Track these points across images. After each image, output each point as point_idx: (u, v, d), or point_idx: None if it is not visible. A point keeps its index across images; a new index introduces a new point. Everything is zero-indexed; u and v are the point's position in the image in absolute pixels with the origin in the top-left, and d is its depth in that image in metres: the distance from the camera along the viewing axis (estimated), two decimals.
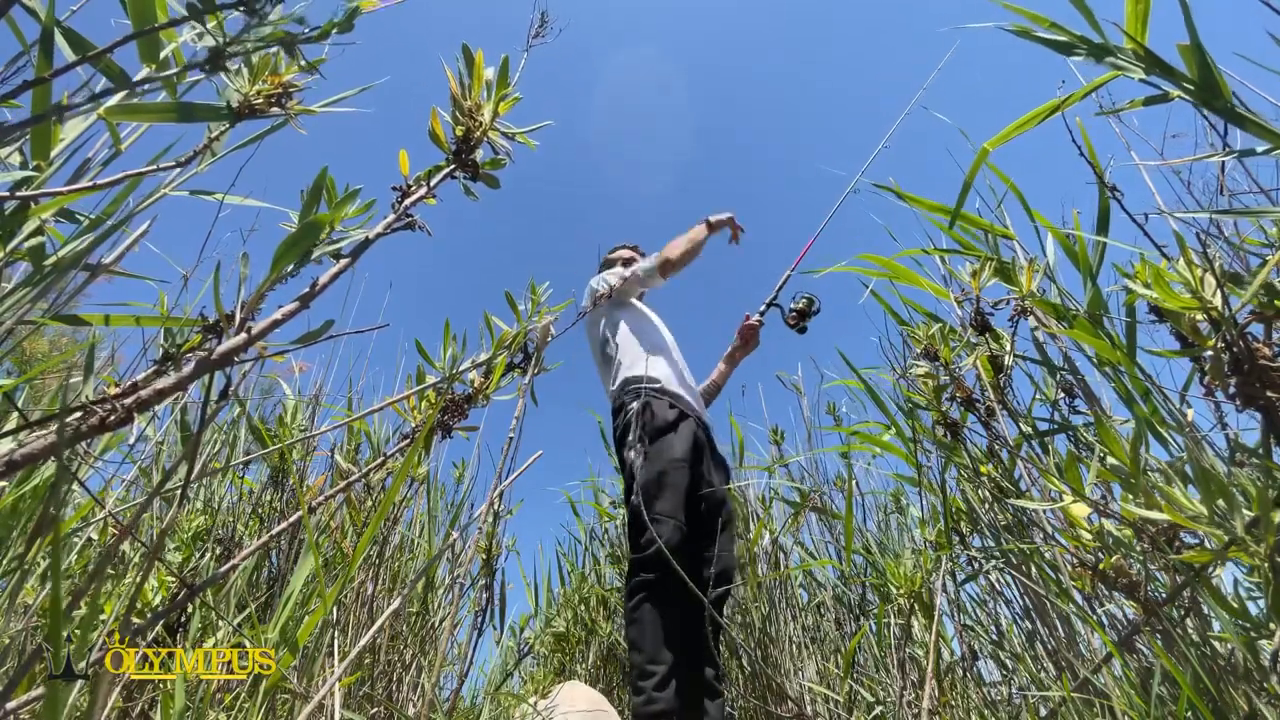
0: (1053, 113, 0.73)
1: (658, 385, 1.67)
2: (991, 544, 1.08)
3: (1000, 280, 1.04)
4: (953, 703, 1.09)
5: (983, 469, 1.05)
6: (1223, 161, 0.71)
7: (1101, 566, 0.76)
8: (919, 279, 1.19)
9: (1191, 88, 0.57)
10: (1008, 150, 1.00)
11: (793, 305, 1.89)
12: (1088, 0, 0.66)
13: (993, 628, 1.11)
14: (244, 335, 0.45)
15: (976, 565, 1.11)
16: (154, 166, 0.49)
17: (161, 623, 0.96)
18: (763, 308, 1.96)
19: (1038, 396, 1.04)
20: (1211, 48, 0.61)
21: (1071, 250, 0.96)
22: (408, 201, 0.57)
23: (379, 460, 0.70)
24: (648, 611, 1.43)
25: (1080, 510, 0.74)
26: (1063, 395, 0.95)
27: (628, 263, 2.08)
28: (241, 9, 0.43)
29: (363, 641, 0.46)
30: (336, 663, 1.11)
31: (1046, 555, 0.93)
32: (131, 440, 1.06)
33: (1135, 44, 0.62)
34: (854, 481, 1.75)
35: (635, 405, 1.65)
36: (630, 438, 1.62)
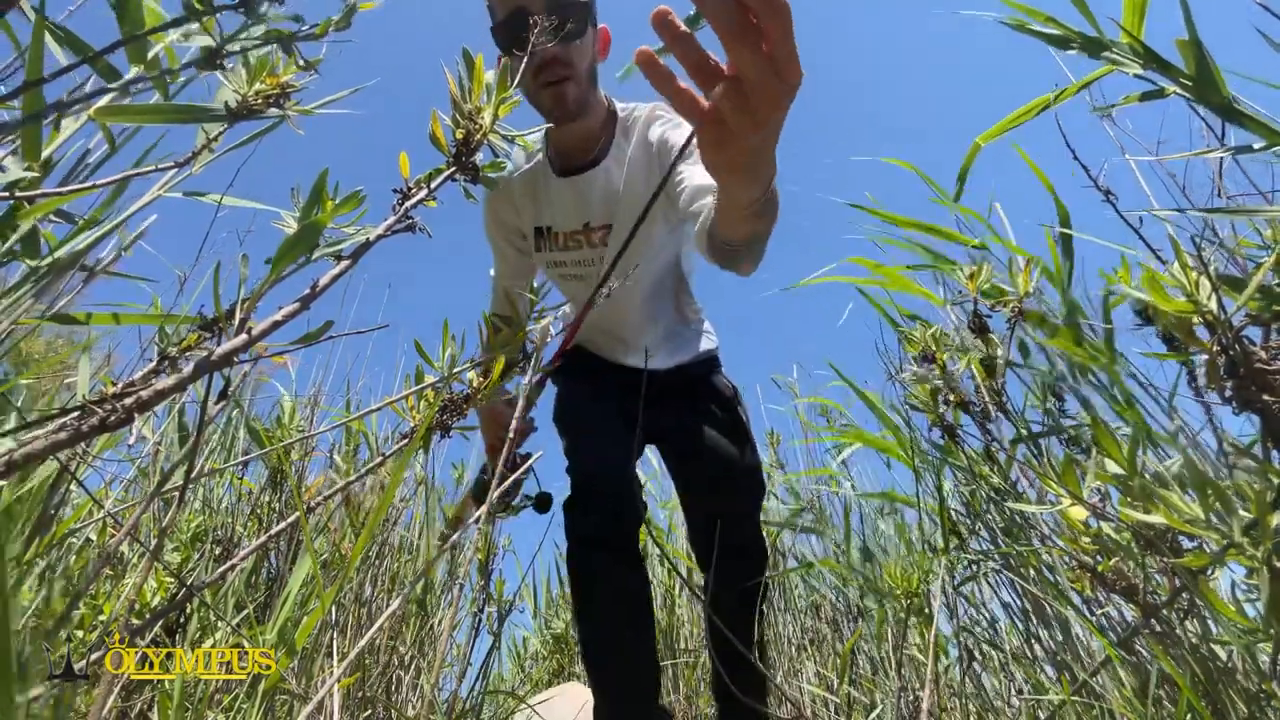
0: (1043, 109, 0.73)
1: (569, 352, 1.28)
2: (989, 546, 1.08)
3: (996, 285, 1.04)
4: (950, 705, 1.09)
5: (979, 470, 1.06)
6: (1220, 160, 0.71)
7: (1100, 569, 0.76)
8: (911, 284, 1.19)
9: (1189, 84, 0.57)
10: (1007, 154, 1.00)
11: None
12: None
13: (990, 630, 1.11)
14: (244, 336, 0.45)
15: (974, 568, 1.11)
16: (152, 167, 0.49)
17: (160, 623, 0.96)
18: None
19: (1030, 401, 1.04)
20: (1213, 46, 0.61)
21: (1048, 270, 0.96)
22: (408, 203, 0.57)
23: (378, 460, 0.70)
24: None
25: (1078, 513, 0.74)
26: (1053, 400, 0.96)
27: None
28: (240, 9, 0.43)
29: (362, 643, 0.46)
30: (335, 664, 1.11)
31: (1045, 558, 0.93)
32: (131, 440, 1.06)
33: (1132, 38, 0.62)
34: (851, 483, 1.75)
35: None
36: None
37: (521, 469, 1.02)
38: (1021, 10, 0.70)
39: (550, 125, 1.12)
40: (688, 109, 0.46)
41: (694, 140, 0.83)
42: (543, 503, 1.13)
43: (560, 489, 1.20)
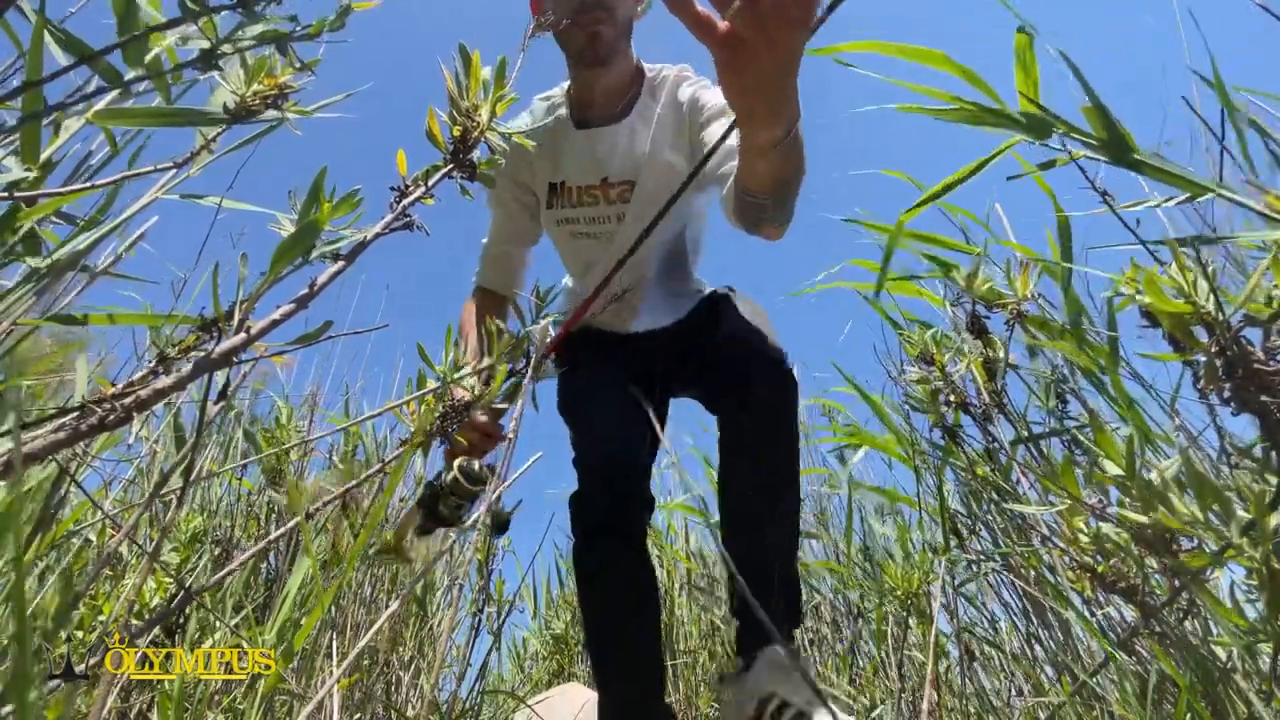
0: (952, 187, 0.71)
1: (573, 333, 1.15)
2: (989, 546, 1.08)
3: (995, 288, 1.04)
4: (950, 706, 1.09)
5: (979, 471, 1.06)
6: (1220, 159, 0.71)
7: (1100, 570, 0.76)
8: (911, 286, 1.19)
9: (1098, 144, 0.59)
10: (1007, 157, 0.99)
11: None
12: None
13: (990, 631, 1.11)
14: (243, 335, 0.45)
15: (974, 568, 1.11)
16: (150, 169, 0.49)
17: (160, 624, 0.96)
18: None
19: (1031, 402, 1.04)
20: (1212, 43, 0.61)
21: (1050, 268, 0.96)
22: (406, 201, 0.57)
23: (376, 468, 0.70)
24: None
25: (1077, 514, 0.74)
26: (1056, 401, 0.96)
27: None
28: (238, 9, 0.43)
29: (361, 643, 0.46)
30: (335, 664, 1.11)
31: (1045, 558, 0.93)
32: (131, 440, 1.06)
33: (1032, 107, 0.62)
34: (849, 482, 1.75)
35: None
36: None
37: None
38: (921, 92, 0.67)
39: (575, 70, 1.11)
40: (704, 31, 0.46)
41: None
42: (500, 523, 0.96)
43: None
